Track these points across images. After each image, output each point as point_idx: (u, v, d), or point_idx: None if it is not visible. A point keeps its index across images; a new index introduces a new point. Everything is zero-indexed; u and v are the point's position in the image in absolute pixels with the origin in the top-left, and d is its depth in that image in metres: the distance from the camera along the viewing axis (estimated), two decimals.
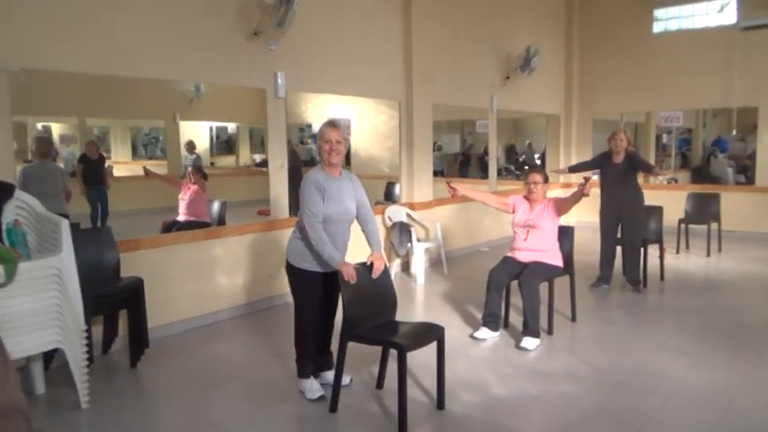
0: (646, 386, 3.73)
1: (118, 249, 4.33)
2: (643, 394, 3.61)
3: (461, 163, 12.85)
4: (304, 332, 3.57)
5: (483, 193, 5.06)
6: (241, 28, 5.27)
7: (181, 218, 6.11)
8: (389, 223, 6.87)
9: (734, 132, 10.43)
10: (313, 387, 3.60)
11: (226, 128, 9.47)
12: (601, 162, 6.13)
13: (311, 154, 11.20)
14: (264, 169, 5.86)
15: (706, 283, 6.58)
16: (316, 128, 10.65)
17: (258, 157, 9.47)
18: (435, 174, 8.32)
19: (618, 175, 5.89)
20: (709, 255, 7.75)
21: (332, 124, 3.47)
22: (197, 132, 8.34)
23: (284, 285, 5.43)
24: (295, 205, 6.42)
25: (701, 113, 13.37)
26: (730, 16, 9.32)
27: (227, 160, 9.63)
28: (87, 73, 4.39)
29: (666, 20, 10.07)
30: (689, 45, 9.59)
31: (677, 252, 7.92)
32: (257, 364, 4.22)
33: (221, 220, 6.20)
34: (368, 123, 9.12)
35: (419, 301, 6.06)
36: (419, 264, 6.68)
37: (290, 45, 5.62)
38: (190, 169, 6.32)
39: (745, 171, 10.82)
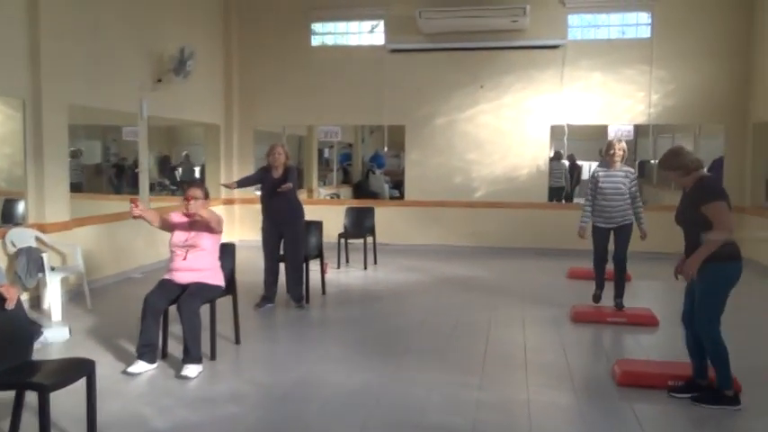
0: (306, 396, 4.45)
1: None
2: (304, 403, 4.31)
3: (116, 175, 12.42)
4: None
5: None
6: None
7: None
8: (13, 250, 6.43)
9: (386, 149, 12.54)
10: None
11: None
12: (262, 176, 6.88)
13: None
14: None
15: (364, 295, 7.88)
16: None
17: None
18: (76, 188, 8.01)
19: (277, 188, 6.62)
20: (366, 268, 9.26)
21: None
22: None
23: None
24: None
25: (360, 129, 15.66)
26: (380, 38, 11.26)
27: None
28: None
29: (323, 34, 11.62)
30: (345, 61, 11.24)
31: (338, 266, 9.22)
32: None
33: None
34: None
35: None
36: (54, 297, 6.41)
37: None
38: None
39: (400, 186, 13.10)
